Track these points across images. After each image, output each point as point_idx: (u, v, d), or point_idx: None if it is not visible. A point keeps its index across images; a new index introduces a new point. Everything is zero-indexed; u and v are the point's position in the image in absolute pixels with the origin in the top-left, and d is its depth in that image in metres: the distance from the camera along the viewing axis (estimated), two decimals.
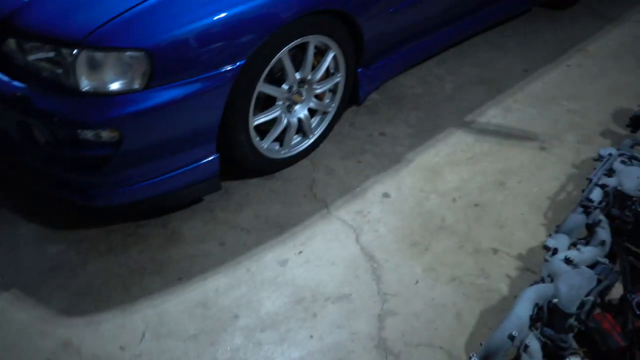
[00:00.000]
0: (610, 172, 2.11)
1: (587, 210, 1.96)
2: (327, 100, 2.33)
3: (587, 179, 2.13)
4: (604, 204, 1.98)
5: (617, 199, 2.02)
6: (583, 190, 2.06)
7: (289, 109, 2.19)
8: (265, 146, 2.14)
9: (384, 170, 2.36)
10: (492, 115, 2.76)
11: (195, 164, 1.92)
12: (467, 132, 2.63)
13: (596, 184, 2.07)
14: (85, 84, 1.63)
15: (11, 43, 1.69)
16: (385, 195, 2.25)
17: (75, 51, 1.59)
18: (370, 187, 2.27)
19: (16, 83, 1.70)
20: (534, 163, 2.48)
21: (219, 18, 1.75)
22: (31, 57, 1.68)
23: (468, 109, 2.79)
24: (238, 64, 1.81)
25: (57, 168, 1.76)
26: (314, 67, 2.17)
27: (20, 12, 1.68)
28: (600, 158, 2.25)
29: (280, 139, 2.22)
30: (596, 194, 2.02)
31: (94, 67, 1.62)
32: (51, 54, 1.65)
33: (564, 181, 2.39)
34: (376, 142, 2.51)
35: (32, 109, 1.66)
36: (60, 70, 1.64)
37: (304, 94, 2.20)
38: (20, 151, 1.83)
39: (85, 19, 1.61)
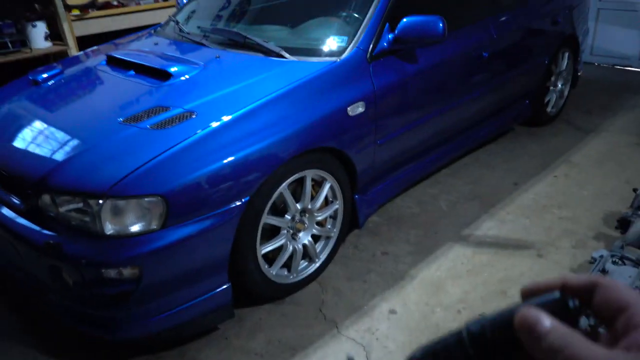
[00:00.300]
0: (603, 273, 2.22)
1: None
2: (329, 226, 2.52)
3: (590, 261, 2.23)
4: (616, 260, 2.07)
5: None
6: None
7: (294, 236, 2.37)
8: (274, 272, 2.30)
9: (388, 288, 2.48)
10: (487, 227, 2.92)
11: (209, 294, 2.06)
12: (465, 246, 2.77)
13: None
14: (109, 228, 1.84)
15: (46, 198, 1.93)
16: (392, 311, 2.34)
17: (101, 201, 1.82)
18: (377, 305, 2.38)
19: (49, 232, 1.92)
20: (533, 270, 2.58)
21: (227, 161, 2.00)
22: (62, 209, 1.91)
23: (464, 224, 2.95)
24: (244, 200, 2.03)
25: (83, 305, 1.92)
26: (313, 197, 2.39)
27: (54, 172, 1.94)
28: (593, 260, 2.36)
29: (287, 265, 2.38)
30: (609, 265, 2.12)
31: (117, 213, 1.84)
32: (80, 205, 1.88)
33: None
34: (379, 262, 2.66)
35: (63, 254, 1.85)
36: (87, 218, 1.86)
37: (307, 221, 2.40)
38: (50, 292, 2.00)
39: (109, 173, 1.86)
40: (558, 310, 0.40)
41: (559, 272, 2.55)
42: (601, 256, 2.35)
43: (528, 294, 0.42)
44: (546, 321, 0.38)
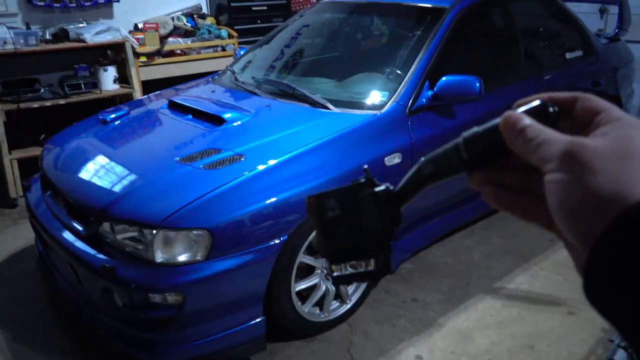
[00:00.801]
0: None
1: None
2: (362, 269, 2.63)
3: (610, 340, 2.25)
4: None
5: None
6: None
7: (327, 277, 2.50)
8: (306, 310, 2.42)
9: (416, 334, 2.55)
10: (519, 282, 2.96)
11: (245, 325, 2.20)
12: (495, 298, 2.82)
13: (618, 346, 2.18)
14: (159, 257, 2.03)
15: (106, 226, 2.15)
16: (418, 357, 2.41)
17: (154, 231, 2.02)
18: (404, 350, 2.45)
19: (105, 257, 2.13)
20: (563, 327, 2.60)
21: (270, 202, 2.18)
22: (120, 237, 2.12)
23: (496, 277, 3.00)
24: (282, 239, 2.19)
25: (129, 327, 2.09)
26: None
27: (115, 203, 2.16)
28: None
29: (320, 304, 2.50)
30: (620, 356, 2.13)
31: (167, 243, 2.03)
32: (135, 234, 2.08)
33: (594, 345, 2.49)
34: (409, 308, 2.74)
35: (116, 277, 2.05)
36: (141, 246, 2.06)
37: None
38: (101, 312, 2.19)
39: (163, 207, 2.07)
40: (538, 114, 0.44)
41: (590, 331, 2.56)
42: None
43: (516, 108, 0.46)
44: (526, 120, 0.43)
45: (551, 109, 0.44)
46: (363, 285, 2.65)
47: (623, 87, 4.28)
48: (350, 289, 2.62)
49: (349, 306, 2.59)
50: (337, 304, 2.58)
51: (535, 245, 3.31)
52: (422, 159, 0.49)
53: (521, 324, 2.63)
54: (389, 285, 2.91)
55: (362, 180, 0.51)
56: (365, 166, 0.52)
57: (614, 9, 4.96)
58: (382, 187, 0.50)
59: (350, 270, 0.53)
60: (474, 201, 3.18)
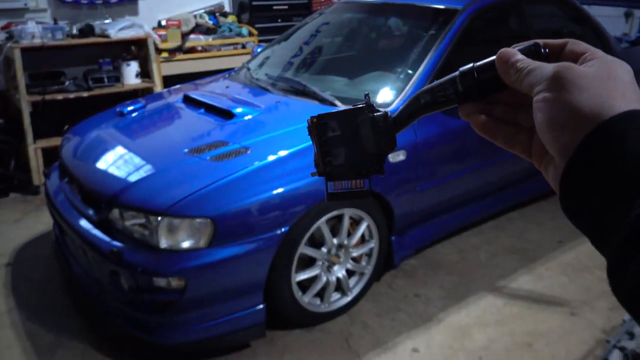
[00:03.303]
0: (630, 335, 2.23)
1: None
2: (364, 263, 2.69)
3: (606, 341, 2.25)
4: None
5: None
6: None
7: (329, 268, 2.56)
8: (307, 300, 2.49)
9: (415, 328, 2.59)
10: (523, 281, 2.98)
11: (245, 312, 2.28)
12: (497, 296, 2.84)
13: (614, 346, 2.19)
14: (163, 243, 2.12)
15: (115, 212, 2.25)
16: (415, 350, 2.45)
17: (159, 218, 2.11)
18: (401, 343, 2.50)
19: (114, 242, 2.23)
20: (563, 327, 2.61)
21: (277, 193, 2.25)
22: (128, 223, 2.22)
23: (500, 276, 3.02)
24: (284, 229, 2.26)
25: (134, 309, 2.19)
26: (350, 234, 2.58)
27: (125, 191, 2.26)
28: (623, 322, 2.38)
29: (320, 295, 2.56)
30: (615, 356, 2.14)
31: (172, 230, 2.13)
32: (142, 220, 2.18)
33: (593, 345, 2.49)
34: (410, 302, 2.78)
35: (123, 261, 2.15)
36: (147, 232, 2.16)
37: (342, 256, 2.59)
38: (108, 295, 2.30)
39: (169, 195, 2.16)
40: (531, 53, 0.48)
41: (590, 332, 2.57)
42: (631, 319, 2.36)
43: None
44: (519, 55, 0.48)
45: (543, 50, 0.49)
46: (365, 278, 2.70)
47: None
48: (352, 281, 2.68)
49: (349, 298, 2.65)
50: (338, 295, 2.64)
51: (543, 247, 3.31)
52: (419, 89, 0.54)
53: (521, 322, 2.64)
54: (393, 280, 2.96)
55: (363, 104, 0.54)
56: (366, 92, 0.57)
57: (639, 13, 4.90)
58: (381, 113, 0.54)
59: (343, 188, 0.55)
60: (483, 201, 3.20)
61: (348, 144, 0.54)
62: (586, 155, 0.42)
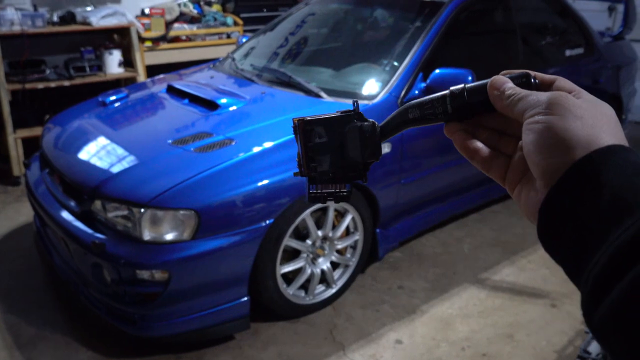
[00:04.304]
0: None
1: None
2: (349, 255, 2.70)
3: (585, 332, 2.29)
4: (600, 356, 2.12)
5: None
6: None
7: (313, 261, 2.56)
8: (291, 292, 2.49)
9: (399, 319, 2.61)
10: (505, 274, 3.01)
11: (229, 304, 2.27)
12: (480, 288, 2.87)
13: (593, 337, 2.22)
14: (147, 235, 2.10)
15: (98, 204, 2.23)
16: (398, 341, 2.47)
17: (142, 210, 2.09)
18: (385, 334, 2.51)
19: (96, 234, 2.20)
20: (544, 318, 2.65)
21: (262, 185, 2.24)
22: (111, 215, 2.20)
23: (483, 268, 3.05)
24: (269, 222, 2.25)
25: (118, 301, 2.17)
26: (335, 226, 2.58)
27: (107, 182, 2.24)
28: None
29: (305, 287, 2.57)
30: (594, 347, 2.18)
31: (155, 222, 2.11)
32: (125, 212, 2.16)
33: (572, 336, 2.53)
34: (394, 294, 2.80)
35: (105, 253, 2.12)
36: (130, 224, 2.13)
37: (327, 248, 2.59)
38: (91, 287, 2.27)
39: (152, 187, 2.14)
40: (522, 83, 0.50)
41: (570, 323, 2.61)
42: None
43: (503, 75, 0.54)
44: (510, 83, 0.50)
45: (533, 81, 0.50)
46: (349, 271, 2.71)
47: (625, 86, 4.28)
48: (337, 273, 2.68)
49: (334, 290, 2.66)
50: (323, 287, 2.65)
51: (526, 239, 3.34)
52: (409, 103, 0.54)
53: (503, 314, 2.68)
54: (377, 272, 2.97)
55: (351, 111, 0.55)
56: (355, 100, 0.57)
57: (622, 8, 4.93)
58: (369, 122, 0.54)
59: (324, 190, 0.56)
60: (468, 194, 3.23)
61: (333, 152, 0.54)
62: (572, 183, 0.42)
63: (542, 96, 0.47)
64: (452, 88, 0.52)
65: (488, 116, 0.53)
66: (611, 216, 0.40)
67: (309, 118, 0.54)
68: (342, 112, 0.55)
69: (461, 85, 0.52)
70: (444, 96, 0.52)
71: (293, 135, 0.57)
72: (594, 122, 0.44)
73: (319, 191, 0.56)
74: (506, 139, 0.53)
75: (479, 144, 0.54)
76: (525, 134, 0.46)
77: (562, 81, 0.50)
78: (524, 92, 0.48)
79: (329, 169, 0.55)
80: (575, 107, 0.45)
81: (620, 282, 0.37)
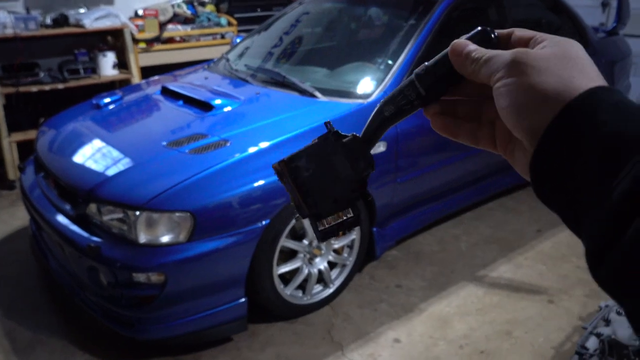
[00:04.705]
0: (605, 322, 2.27)
1: (582, 358, 2.11)
2: (345, 255, 2.70)
3: (583, 327, 2.30)
4: (598, 351, 2.13)
5: (613, 347, 2.16)
6: None
7: (310, 261, 2.56)
8: (288, 293, 2.48)
9: (397, 318, 2.61)
10: (503, 270, 3.01)
11: (226, 306, 2.27)
12: (478, 286, 2.87)
13: (591, 333, 2.23)
14: (142, 237, 2.09)
15: (93, 207, 2.22)
16: (397, 340, 2.47)
17: (137, 213, 2.09)
18: (383, 333, 2.51)
19: (92, 237, 2.19)
20: (542, 315, 2.65)
21: (258, 185, 2.24)
22: (106, 218, 2.19)
23: (480, 265, 3.05)
24: (265, 222, 2.25)
25: (114, 304, 2.17)
26: None
27: (102, 185, 2.23)
28: (599, 309, 2.42)
29: (302, 287, 2.56)
30: (591, 342, 2.18)
31: (151, 224, 2.10)
32: (120, 215, 2.15)
33: (570, 332, 2.54)
34: (392, 293, 2.80)
35: (101, 257, 2.12)
36: (125, 227, 2.13)
37: (323, 248, 2.59)
38: (88, 290, 2.26)
39: (147, 189, 2.13)
40: (482, 41, 0.48)
41: (567, 319, 2.61)
42: (606, 306, 2.40)
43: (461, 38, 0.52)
44: (472, 45, 0.47)
45: (493, 35, 0.48)
46: (347, 270, 2.71)
47: (619, 81, 4.29)
48: (334, 273, 2.68)
49: (331, 290, 2.65)
50: (320, 287, 2.64)
51: (522, 236, 3.35)
52: (381, 101, 0.52)
53: (501, 311, 2.68)
54: (374, 271, 2.97)
55: (326, 134, 0.52)
56: (327, 120, 0.54)
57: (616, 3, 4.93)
58: (349, 137, 0.52)
59: (332, 222, 0.52)
60: (463, 191, 3.23)
61: (326, 178, 0.52)
62: (556, 136, 0.41)
63: (504, 56, 0.45)
64: (415, 70, 0.50)
65: (463, 85, 0.50)
66: (603, 164, 0.39)
67: (287, 157, 0.51)
68: (317, 139, 0.52)
69: (423, 64, 0.50)
70: (411, 81, 0.50)
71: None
72: (562, 71, 0.42)
73: (327, 226, 0.53)
74: (487, 105, 0.50)
75: (459, 121, 0.52)
76: (496, 100, 0.45)
77: (519, 31, 0.48)
78: (487, 53, 0.46)
79: (328, 198, 0.52)
80: (537, 60, 0.43)
81: (625, 234, 0.36)
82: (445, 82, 0.50)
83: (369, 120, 0.53)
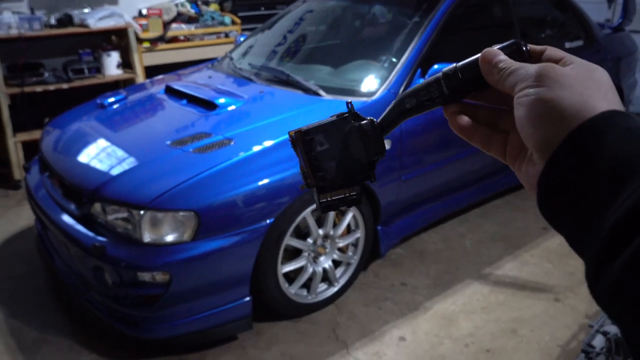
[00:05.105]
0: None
1: (588, 357, 2.10)
2: (350, 253, 2.69)
3: (589, 326, 2.28)
4: (605, 350, 2.11)
5: (620, 346, 2.15)
6: None
7: (315, 259, 2.56)
8: (293, 292, 2.48)
9: (402, 316, 2.60)
10: (508, 268, 3.00)
11: (231, 305, 2.27)
12: (483, 284, 2.86)
13: (597, 331, 2.21)
14: (147, 237, 2.09)
15: (97, 207, 2.22)
16: (402, 338, 2.47)
17: (142, 212, 2.09)
18: (388, 331, 2.51)
19: (97, 237, 2.20)
20: (547, 313, 2.64)
21: (262, 184, 2.23)
22: (110, 217, 2.19)
23: (486, 263, 3.04)
24: (269, 221, 2.24)
25: (119, 304, 2.17)
26: (336, 224, 2.57)
27: (106, 184, 2.23)
28: None
29: (307, 286, 2.56)
30: (598, 341, 2.17)
31: (155, 223, 2.10)
32: (125, 214, 2.15)
33: (576, 330, 2.52)
34: (397, 291, 2.79)
35: (106, 256, 2.12)
36: (130, 227, 2.13)
37: (328, 247, 2.58)
38: (93, 290, 2.27)
39: (152, 189, 2.13)
40: (514, 52, 0.49)
41: (573, 317, 2.60)
42: None
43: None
44: (502, 55, 0.49)
45: (524, 48, 0.50)
46: (351, 269, 2.70)
47: (625, 77, 4.26)
48: (339, 271, 2.68)
49: (336, 289, 2.65)
50: (325, 286, 2.64)
51: (528, 233, 3.33)
52: (404, 92, 0.54)
53: (506, 309, 2.67)
54: (379, 269, 2.96)
55: (346, 113, 0.54)
56: (349, 100, 0.56)
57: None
58: (366, 120, 0.54)
59: (335, 197, 0.55)
60: (468, 189, 3.21)
61: (338, 156, 0.54)
62: (570, 151, 0.42)
63: (531, 69, 0.46)
64: (444, 69, 0.52)
65: (486, 92, 0.52)
66: (609, 185, 0.39)
67: (305, 128, 0.53)
68: (337, 116, 0.54)
69: (453, 65, 0.52)
70: (437, 79, 0.52)
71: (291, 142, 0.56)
72: (584, 90, 0.43)
73: (329, 199, 0.55)
74: (505, 115, 0.52)
75: (477, 124, 0.54)
76: (516, 109, 0.46)
77: (552, 50, 0.50)
78: (514, 65, 0.47)
79: (337, 175, 0.54)
80: (563, 77, 0.44)
81: (622, 253, 0.37)
82: (470, 86, 0.52)
83: (388, 109, 0.54)
